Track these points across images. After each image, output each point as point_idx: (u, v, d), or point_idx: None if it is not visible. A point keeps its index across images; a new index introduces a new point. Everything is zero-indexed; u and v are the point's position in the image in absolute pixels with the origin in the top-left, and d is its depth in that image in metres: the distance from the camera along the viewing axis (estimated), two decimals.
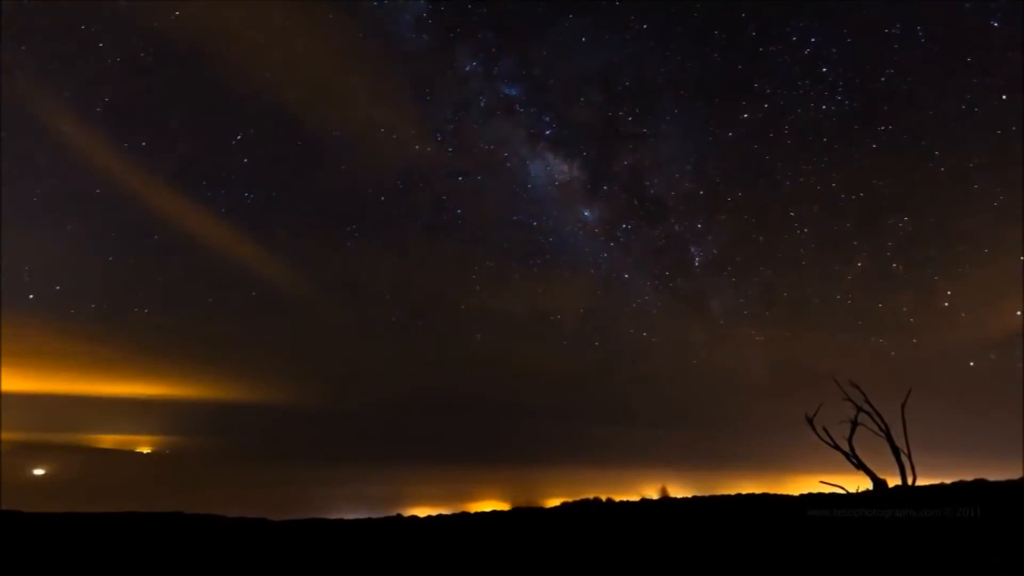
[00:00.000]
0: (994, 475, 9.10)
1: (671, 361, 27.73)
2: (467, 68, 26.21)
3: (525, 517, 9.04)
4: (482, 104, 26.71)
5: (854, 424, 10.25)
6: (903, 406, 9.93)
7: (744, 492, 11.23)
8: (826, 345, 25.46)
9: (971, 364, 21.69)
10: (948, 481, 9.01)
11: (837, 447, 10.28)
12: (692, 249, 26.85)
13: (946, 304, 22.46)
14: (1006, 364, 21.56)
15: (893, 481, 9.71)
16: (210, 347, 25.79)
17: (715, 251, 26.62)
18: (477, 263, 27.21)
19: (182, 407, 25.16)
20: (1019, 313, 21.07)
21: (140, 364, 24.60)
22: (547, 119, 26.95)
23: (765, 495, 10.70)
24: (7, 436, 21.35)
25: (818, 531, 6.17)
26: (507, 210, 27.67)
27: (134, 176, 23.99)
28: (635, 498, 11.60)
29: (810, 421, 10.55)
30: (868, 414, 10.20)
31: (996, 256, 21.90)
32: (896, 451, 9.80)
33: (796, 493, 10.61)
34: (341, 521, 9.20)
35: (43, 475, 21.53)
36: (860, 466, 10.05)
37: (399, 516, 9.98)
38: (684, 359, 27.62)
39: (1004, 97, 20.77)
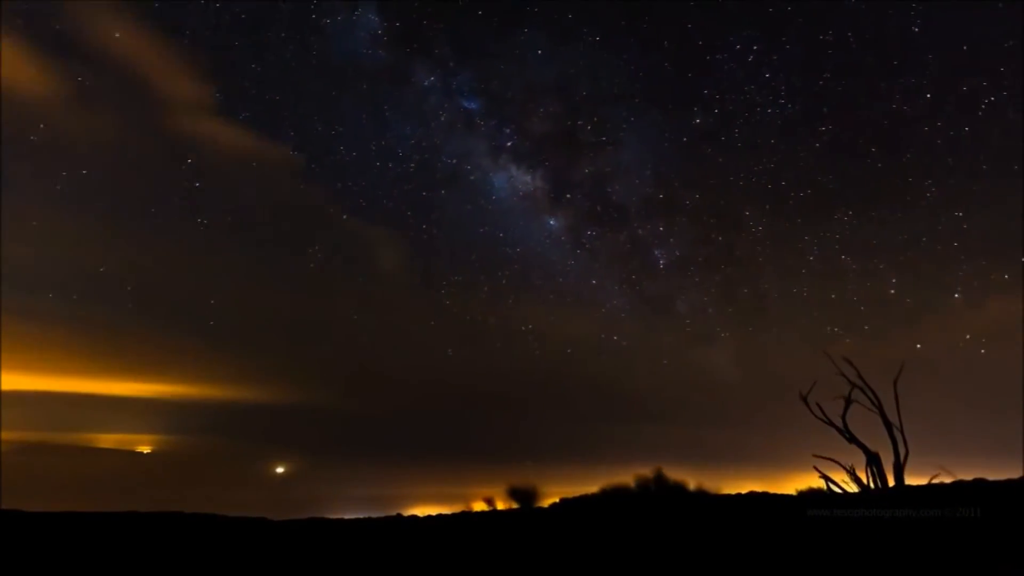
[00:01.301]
0: (994, 475, 9.11)
1: (644, 362, 28.24)
2: (425, 83, 26.48)
3: (525, 517, 9.05)
4: (442, 119, 26.99)
5: (848, 401, 10.31)
6: (895, 381, 10.02)
7: (743, 491, 11.23)
8: (787, 336, 26.27)
9: (918, 346, 22.70)
10: (948, 481, 9.02)
11: (831, 423, 10.36)
12: (656, 252, 27.29)
13: (892, 292, 23.75)
14: (954, 347, 22.65)
15: (886, 457, 9.81)
16: (210, 347, 25.82)
17: (677, 252, 27.14)
18: (445, 277, 27.57)
19: (182, 407, 25.18)
20: (957, 295, 22.42)
21: (140, 364, 24.64)
22: (508, 131, 27.36)
23: (765, 494, 10.71)
24: (7, 436, 21.38)
25: (818, 531, 6.18)
26: (473, 223, 27.99)
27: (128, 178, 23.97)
28: (630, 480, 11.53)
29: (804, 399, 10.64)
30: (861, 390, 10.29)
31: (932, 244, 23.59)
32: (889, 426, 9.88)
33: (792, 482, 10.72)
34: (341, 521, 9.20)
35: (43, 475, 21.54)
36: (853, 440, 10.12)
37: (399, 516, 9.97)
38: (655, 359, 28.15)
39: (928, 96, 23.01)
